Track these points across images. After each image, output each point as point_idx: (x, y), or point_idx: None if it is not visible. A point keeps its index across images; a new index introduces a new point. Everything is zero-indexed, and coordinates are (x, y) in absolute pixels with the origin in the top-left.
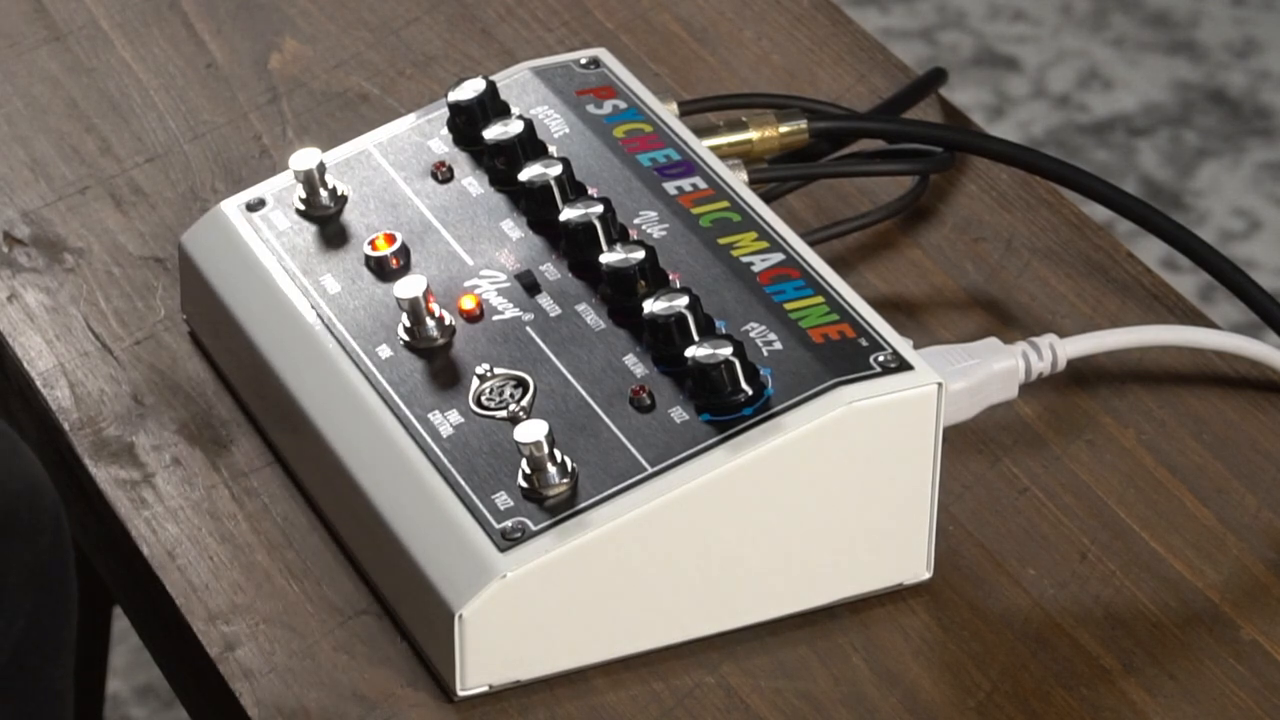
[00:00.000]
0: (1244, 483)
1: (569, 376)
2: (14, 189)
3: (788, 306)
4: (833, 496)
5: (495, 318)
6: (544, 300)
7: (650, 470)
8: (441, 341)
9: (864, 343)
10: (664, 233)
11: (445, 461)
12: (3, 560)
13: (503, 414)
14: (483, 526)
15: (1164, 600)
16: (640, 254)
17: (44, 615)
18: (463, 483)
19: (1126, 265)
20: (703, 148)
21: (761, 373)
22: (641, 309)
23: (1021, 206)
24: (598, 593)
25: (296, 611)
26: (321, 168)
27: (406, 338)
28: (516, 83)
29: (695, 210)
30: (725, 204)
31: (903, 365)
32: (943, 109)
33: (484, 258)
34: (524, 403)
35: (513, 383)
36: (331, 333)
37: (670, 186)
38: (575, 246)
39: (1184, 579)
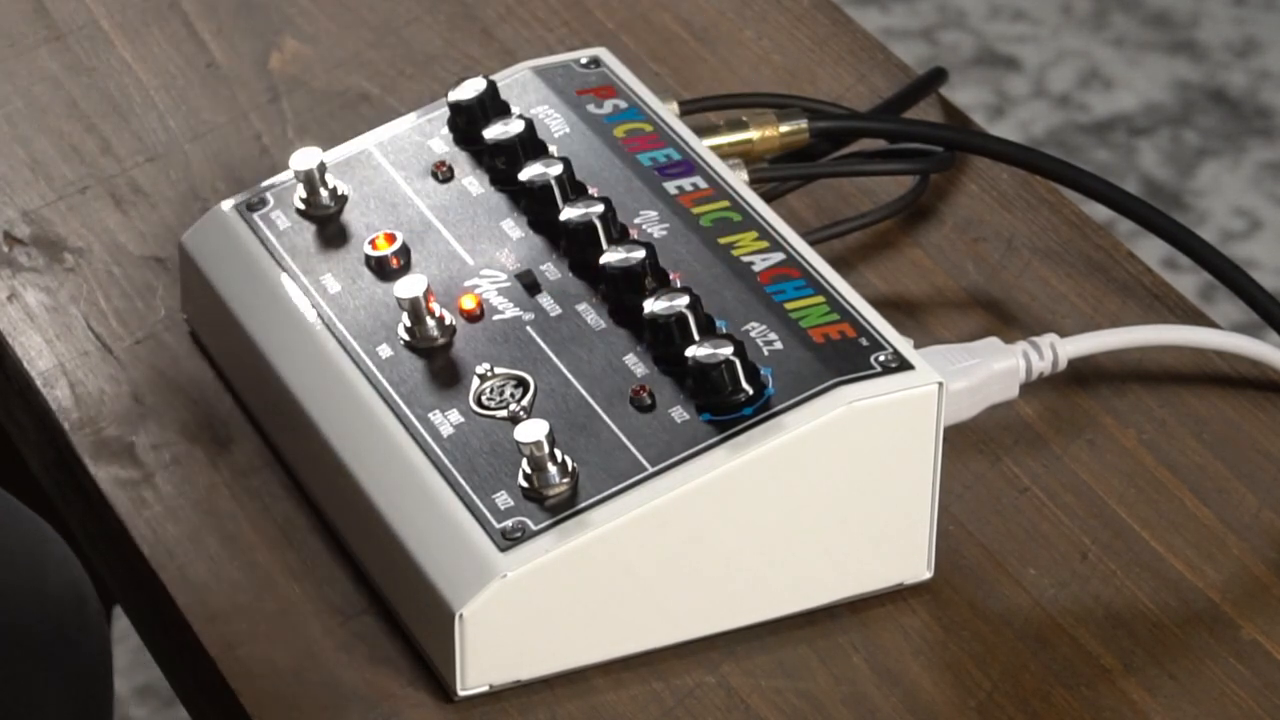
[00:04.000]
0: (1245, 482)
1: (569, 376)
2: (14, 189)
3: (788, 306)
4: (833, 496)
5: (495, 317)
6: (544, 300)
7: (650, 470)
8: (442, 341)
9: (864, 342)
10: (664, 232)
11: (445, 461)
12: (45, 673)
13: (503, 414)
14: (483, 526)
15: (1164, 600)
16: (641, 253)
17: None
18: (463, 482)
19: (1127, 265)
20: (703, 147)
21: (762, 372)
22: (642, 308)
23: (1022, 206)
24: (598, 592)
25: (297, 611)
26: (322, 167)
27: (407, 337)
28: (517, 82)
29: (695, 210)
30: (726, 203)
31: (903, 365)
32: (943, 109)
33: (484, 257)
34: (524, 402)
35: (513, 382)
36: (332, 332)
37: (671, 186)
38: (576, 246)
39: (1184, 579)
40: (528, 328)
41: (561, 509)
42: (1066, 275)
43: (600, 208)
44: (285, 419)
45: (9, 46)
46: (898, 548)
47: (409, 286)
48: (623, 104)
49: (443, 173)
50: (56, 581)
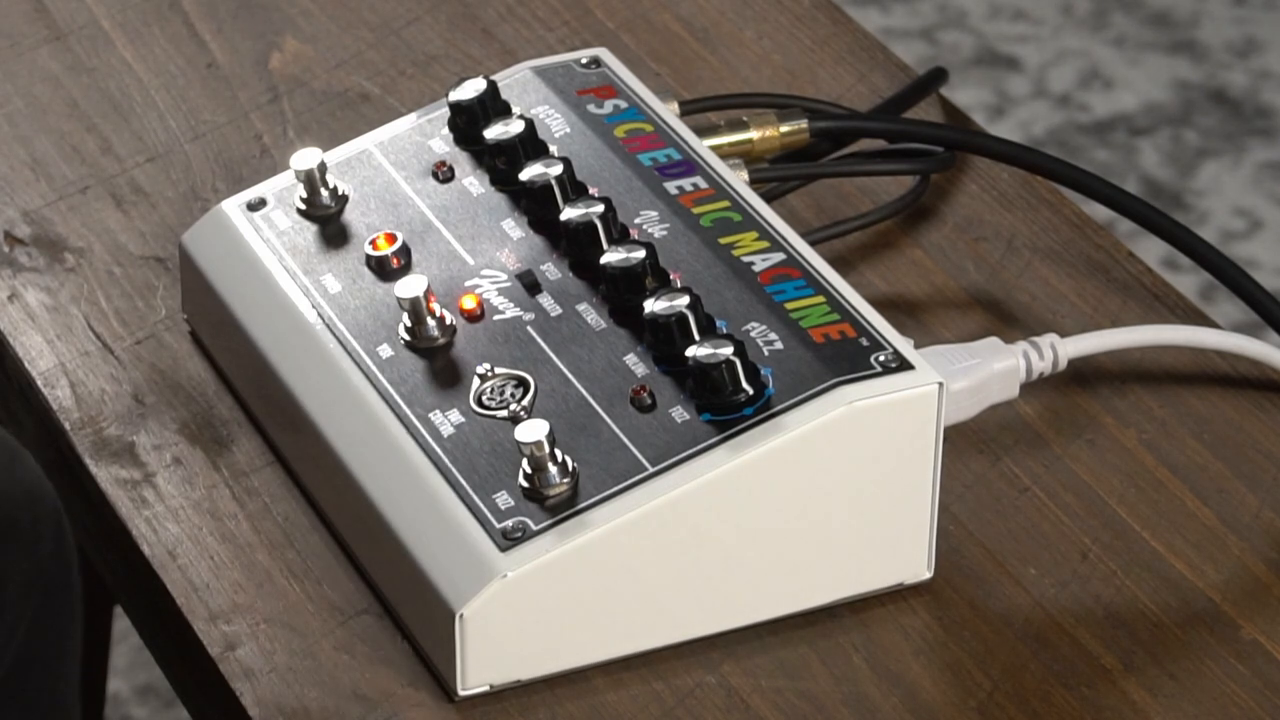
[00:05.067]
0: (1245, 482)
1: (570, 376)
2: (15, 189)
3: (788, 306)
4: (833, 496)
5: (496, 317)
6: (545, 300)
7: (651, 470)
8: (442, 341)
9: (865, 342)
10: (665, 232)
11: (446, 461)
12: (2, 569)
13: (503, 413)
14: (483, 526)
15: (1165, 600)
16: (641, 253)
17: (46, 624)
18: (463, 482)
19: (1127, 265)
20: (703, 147)
21: (762, 372)
22: (642, 308)
23: (1022, 206)
24: (598, 592)
25: (297, 611)
26: (322, 167)
27: (407, 337)
28: (517, 82)
29: (696, 210)
30: (726, 203)
31: (903, 365)
32: (943, 109)
33: (485, 257)
34: (525, 402)
35: (513, 382)
36: (332, 332)
37: (671, 186)
38: (576, 246)
39: (1185, 579)
40: (528, 328)
41: (562, 509)
42: (1066, 275)
43: (600, 208)
44: (286, 419)
45: (9, 46)
46: (898, 548)
47: (409, 286)
48: (623, 104)
49: (443, 173)
50: (4, 477)
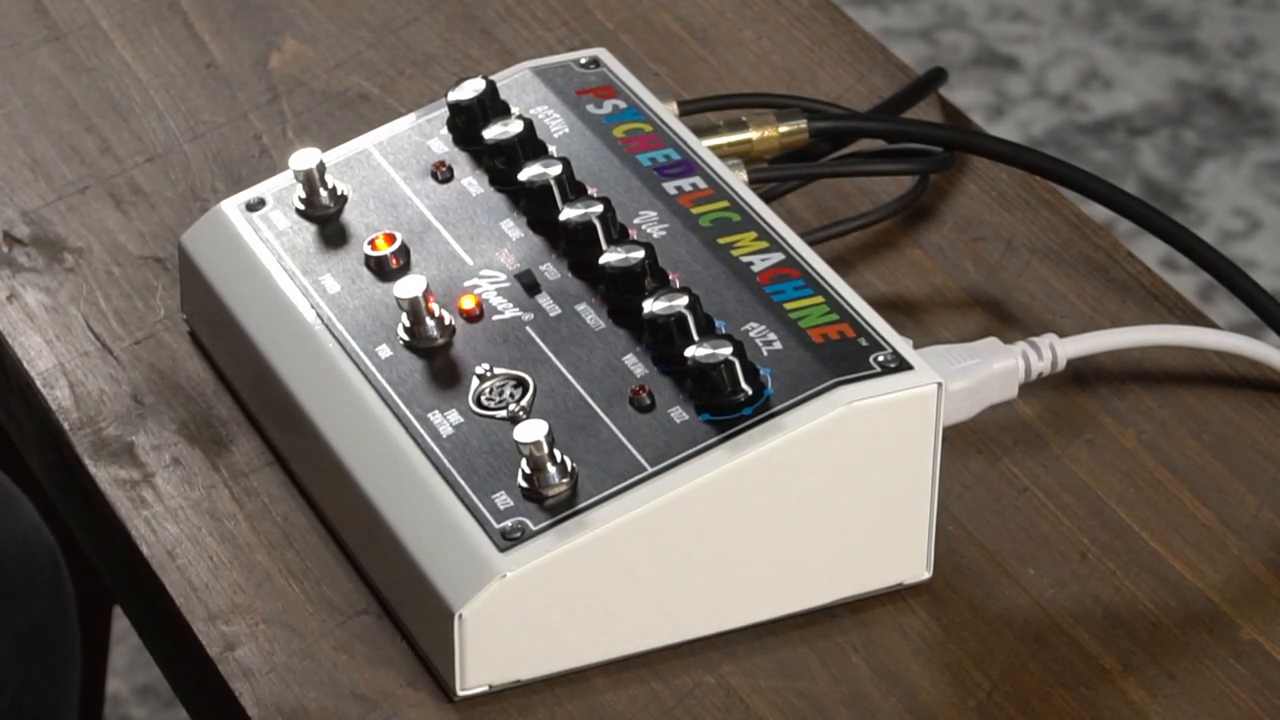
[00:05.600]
0: (1244, 483)
1: (569, 376)
2: (14, 189)
3: (787, 306)
4: (833, 496)
5: (495, 317)
6: (544, 300)
7: (650, 470)
8: (441, 341)
9: (864, 342)
10: (664, 232)
11: (445, 461)
12: None
13: (503, 414)
14: (482, 526)
15: (1164, 600)
16: (640, 254)
17: (37, 679)
18: (462, 483)
19: (1126, 265)
20: (703, 147)
21: (761, 372)
22: (641, 309)
23: (1021, 206)
24: (598, 593)
25: (296, 611)
26: (321, 167)
27: (406, 337)
28: (516, 82)
29: (695, 210)
30: (725, 204)
31: (902, 365)
32: (943, 109)
33: (484, 257)
34: (524, 402)
35: (512, 382)
36: (331, 332)
37: (670, 186)
38: (575, 246)
39: (1184, 579)
40: (527, 328)
41: (561, 509)
42: (1066, 275)
43: (600, 208)
44: (285, 419)
45: (9, 46)
46: (897, 548)
47: (408, 287)
48: (622, 104)
49: (442, 173)
50: (2, 532)
